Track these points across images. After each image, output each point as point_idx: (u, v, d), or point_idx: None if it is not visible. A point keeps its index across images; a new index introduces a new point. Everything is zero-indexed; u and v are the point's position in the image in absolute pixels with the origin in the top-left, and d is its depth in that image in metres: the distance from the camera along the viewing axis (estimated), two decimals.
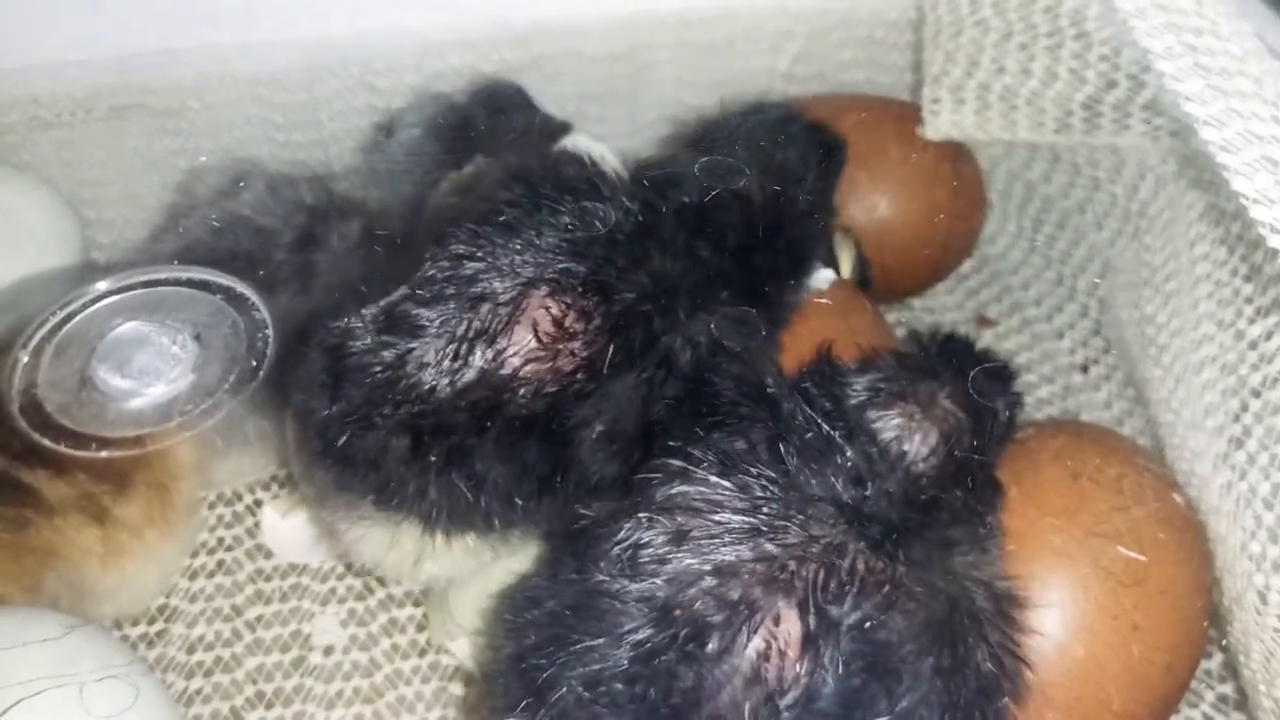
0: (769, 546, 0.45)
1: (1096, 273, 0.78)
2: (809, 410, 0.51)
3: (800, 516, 0.46)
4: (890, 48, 0.85)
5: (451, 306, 0.52)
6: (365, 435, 0.52)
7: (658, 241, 0.55)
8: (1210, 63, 0.47)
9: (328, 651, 0.68)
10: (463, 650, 0.65)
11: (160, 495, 0.66)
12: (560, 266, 0.52)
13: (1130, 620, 0.53)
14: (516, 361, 0.51)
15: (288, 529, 0.72)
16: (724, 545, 0.45)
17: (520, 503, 0.53)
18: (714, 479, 0.48)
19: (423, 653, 0.68)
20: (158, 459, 0.66)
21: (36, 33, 0.75)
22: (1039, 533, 0.54)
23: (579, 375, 0.52)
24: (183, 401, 0.64)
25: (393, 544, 0.56)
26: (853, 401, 0.53)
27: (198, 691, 0.67)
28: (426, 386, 0.51)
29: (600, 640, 0.44)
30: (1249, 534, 0.53)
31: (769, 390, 0.53)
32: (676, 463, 0.49)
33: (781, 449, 0.48)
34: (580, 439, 0.53)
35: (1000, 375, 0.57)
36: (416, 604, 0.70)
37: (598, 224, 0.54)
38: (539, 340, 0.51)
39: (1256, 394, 0.53)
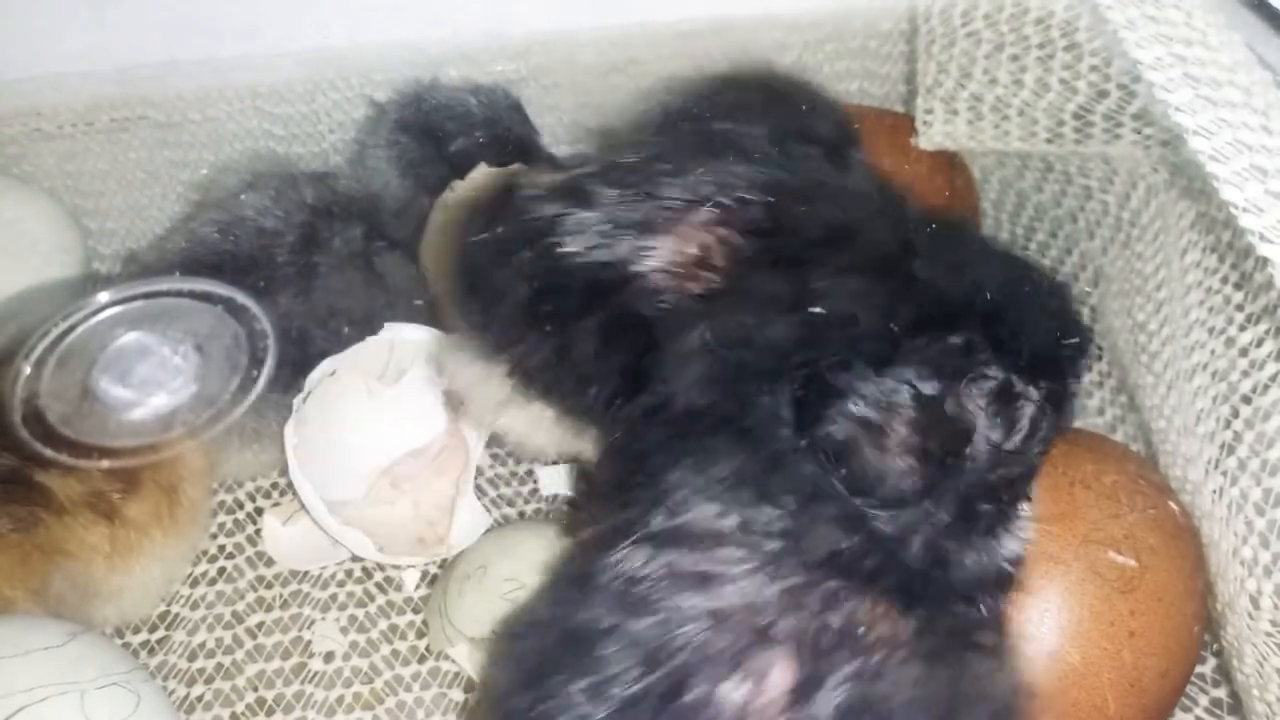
0: (766, 591, 0.44)
1: (1089, 281, 0.78)
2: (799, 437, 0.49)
3: (802, 558, 0.45)
4: (883, 59, 0.85)
5: (629, 195, 0.53)
6: (499, 269, 0.54)
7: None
8: (1200, 73, 0.48)
9: (328, 658, 0.69)
10: (463, 656, 0.65)
11: (169, 496, 0.67)
12: (737, 196, 0.52)
13: (1125, 626, 0.53)
14: (653, 263, 0.52)
15: (289, 536, 0.72)
16: (720, 585, 0.44)
17: (592, 390, 0.54)
18: (717, 509, 0.46)
19: (423, 659, 0.68)
20: (168, 461, 0.67)
21: (38, 45, 0.76)
22: (1033, 539, 0.55)
23: (698, 300, 0.52)
24: (184, 412, 0.65)
25: (484, 381, 0.57)
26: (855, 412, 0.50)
27: (199, 698, 0.67)
28: (564, 249, 0.52)
29: (583, 684, 0.43)
30: (1241, 539, 0.53)
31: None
32: (683, 491, 0.47)
33: (780, 480, 0.47)
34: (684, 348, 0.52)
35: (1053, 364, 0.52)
36: (416, 610, 0.71)
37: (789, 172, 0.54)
38: (681, 256, 0.52)
39: (1247, 400, 0.54)
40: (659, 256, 0.52)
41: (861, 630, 0.43)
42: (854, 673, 0.42)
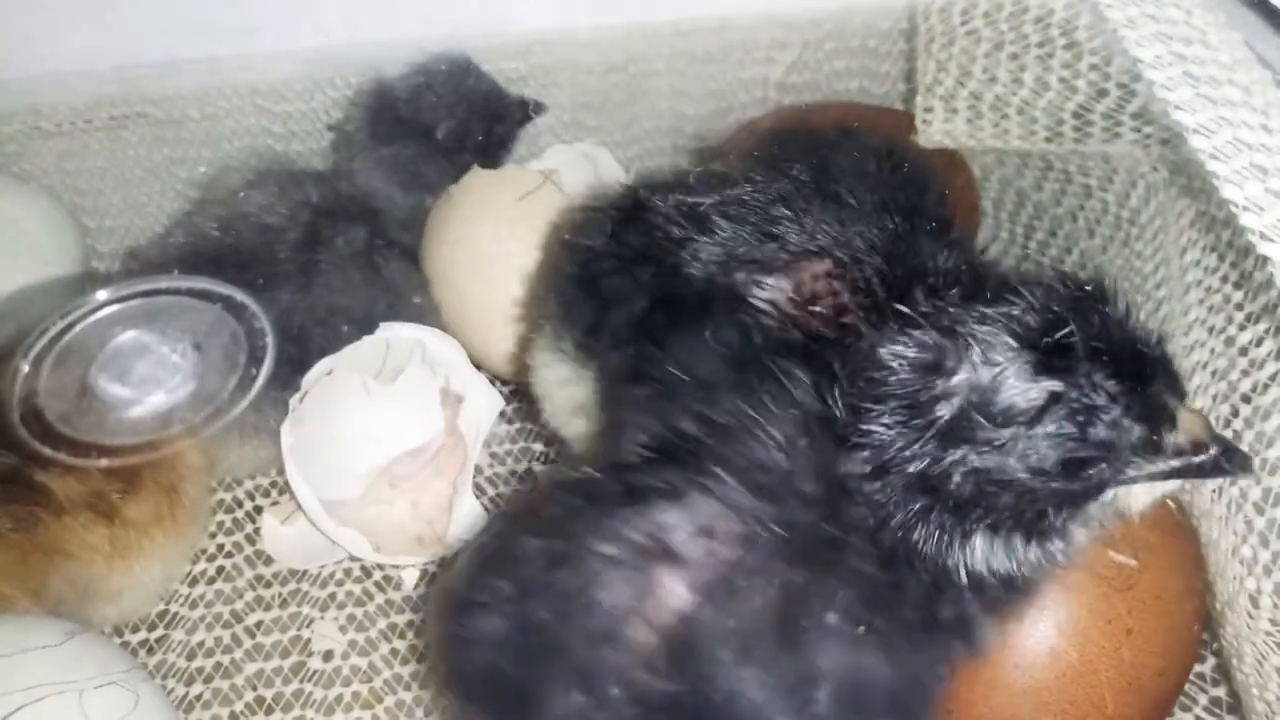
0: (684, 515, 0.44)
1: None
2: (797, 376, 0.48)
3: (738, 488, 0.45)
4: (883, 57, 0.85)
5: (745, 230, 0.54)
6: (616, 277, 0.56)
7: None
8: (1199, 71, 0.48)
9: (327, 657, 0.69)
10: None
11: (169, 496, 0.67)
12: (853, 251, 0.53)
13: (1123, 625, 0.53)
14: (764, 297, 0.53)
15: (288, 535, 0.72)
16: (646, 505, 0.45)
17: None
18: (664, 433, 0.48)
19: (422, 658, 0.68)
20: (168, 460, 0.67)
21: (39, 44, 0.76)
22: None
23: (792, 345, 0.53)
24: (183, 410, 0.65)
25: (566, 384, 0.60)
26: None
27: (198, 697, 0.67)
28: (686, 270, 0.54)
29: (508, 581, 0.46)
30: (1240, 538, 0.53)
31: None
32: (638, 418, 0.49)
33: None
34: None
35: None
36: (415, 609, 0.71)
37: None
38: (793, 299, 0.53)
39: (1247, 399, 0.54)
40: (772, 295, 0.53)
41: (767, 574, 0.43)
42: (749, 610, 0.43)
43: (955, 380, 0.44)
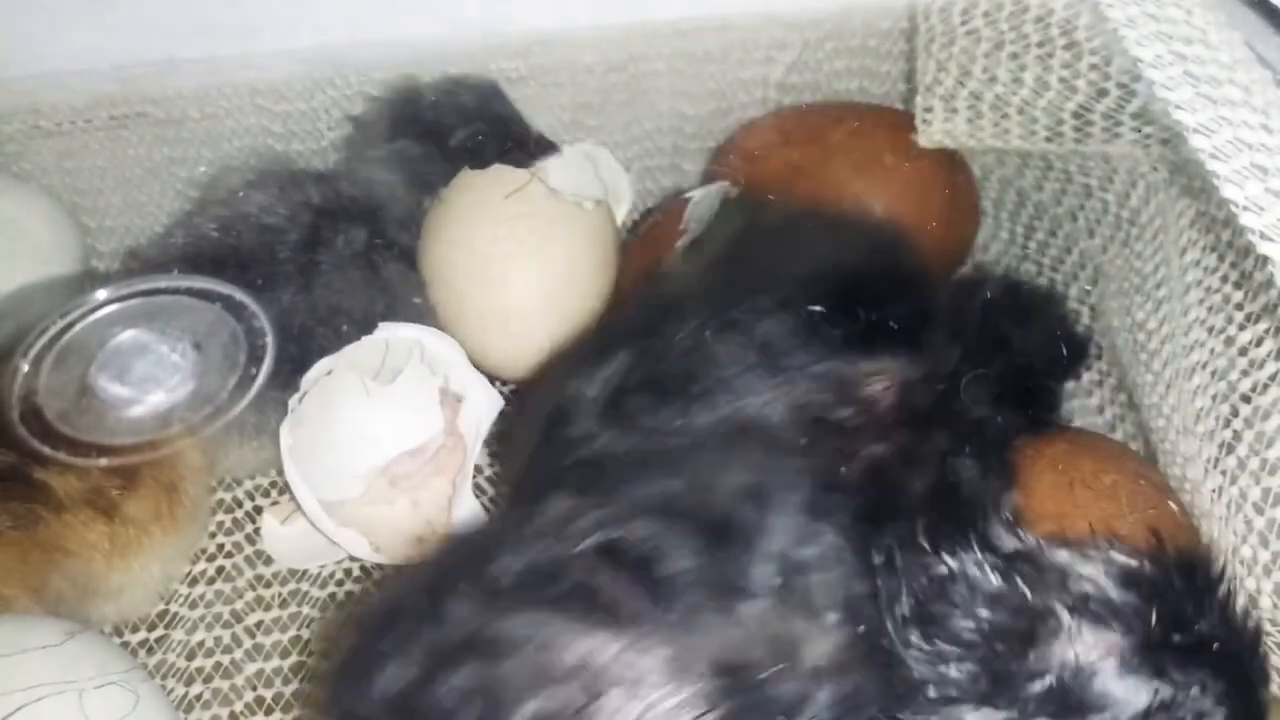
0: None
1: (1088, 279, 0.78)
2: None
3: None
4: (883, 57, 0.85)
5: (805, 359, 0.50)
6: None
7: None
8: (1200, 71, 0.48)
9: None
10: None
11: (169, 494, 0.67)
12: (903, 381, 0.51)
13: None
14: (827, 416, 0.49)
15: (288, 535, 0.72)
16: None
17: None
18: None
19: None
20: (167, 459, 0.67)
21: (38, 43, 0.75)
22: None
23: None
24: (182, 409, 0.65)
25: None
26: None
27: (197, 697, 0.67)
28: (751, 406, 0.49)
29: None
30: (1240, 538, 0.53)
31: None
32: None
33: None
34: None
35: None
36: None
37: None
38: (856, 412, 0.50)
39: (1246, 399, 0.53)
40: (835, 414, 0.50)
41: None
42: None
43: (1049, 657, 0.42)
